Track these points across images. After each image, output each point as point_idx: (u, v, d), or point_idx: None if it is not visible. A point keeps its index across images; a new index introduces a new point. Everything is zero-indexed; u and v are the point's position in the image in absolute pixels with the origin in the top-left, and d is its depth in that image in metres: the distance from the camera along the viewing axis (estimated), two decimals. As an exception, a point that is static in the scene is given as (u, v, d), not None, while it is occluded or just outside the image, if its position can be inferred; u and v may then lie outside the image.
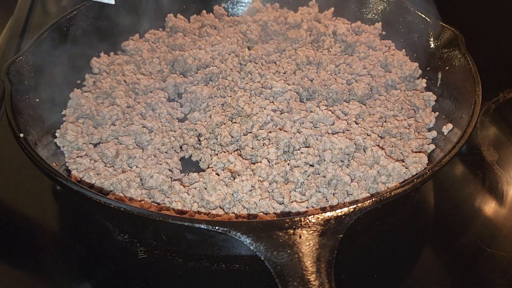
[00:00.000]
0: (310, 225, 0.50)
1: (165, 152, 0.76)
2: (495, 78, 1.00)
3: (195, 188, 0.68)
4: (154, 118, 0.81)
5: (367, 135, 0.75)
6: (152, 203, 0.66)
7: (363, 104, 0.84)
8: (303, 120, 0.78)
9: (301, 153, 0.72)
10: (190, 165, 0.76)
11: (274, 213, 0.64)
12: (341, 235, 0.50)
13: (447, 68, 0.84)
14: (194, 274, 0.64)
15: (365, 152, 0.73)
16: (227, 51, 0.94)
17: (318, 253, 0.48)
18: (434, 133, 0.77)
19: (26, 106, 0.72)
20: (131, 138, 0.76)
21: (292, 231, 0.49)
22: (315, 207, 0.65)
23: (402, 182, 0.67)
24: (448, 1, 1.17)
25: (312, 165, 0.71)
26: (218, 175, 0.69)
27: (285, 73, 0.90)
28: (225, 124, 0.79)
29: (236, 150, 0.75)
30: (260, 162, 0.71)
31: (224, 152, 0.74)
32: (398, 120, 0.79)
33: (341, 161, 0.71)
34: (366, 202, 0.52)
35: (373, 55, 0.93)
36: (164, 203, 0.66)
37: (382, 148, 0.72)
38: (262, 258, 0.48)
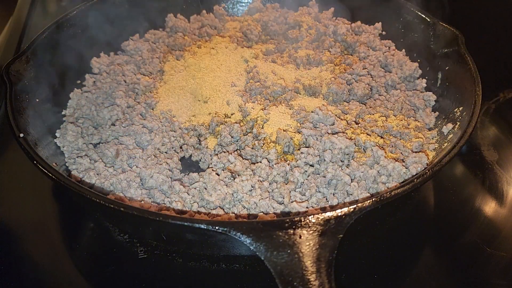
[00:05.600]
0: (310, 225, 0.50)
1: (165, 152, 0.76)
2: (495, 78, 1.00)
3: (195, 188, 0.68)
4: (154, 118, 0.81)
5: (367, 135, 0.75)
6: (152, 203, 0.66)
7: (363, 104, 0.84)
8: (303, 120, 0.78)
9: (301, 153, 0.72)
10: (190, 165, 0.76)
11: (274, 213, 0.64)
12: (341, 235, 0.50)
13: (447, 68, 0.84)
14: (194, 274, 0.64)
15: (365, 152, 0.73)
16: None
17: (318, 253, 0.48)
18: (434, 133, 0.77)
19: (26, 106, 0.72)
20: (131, 138, 0.76)
21: (292, 231, 0.49)
22: (315, 207, 0.65)
23: (402, 182, 0.67)
24: (448, 1, 1.17)
25: (312, 165, 0.71)
26: (218, 175, 0.69)
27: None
28: (225, 124, 0.79)
29: (236, 150, 0.75)
30: (260, 162, 0.71)
31: (224, 152, 0.74)
32: (398, 120, 0.79)
33: (341, 161, 0.71)
34: (366, 202, 0.52)
35: (373, 55, 0.94)
36: (164, 203, 0.66)
37: (382, 148, 0.72)
38: (262, 258, 0.48)
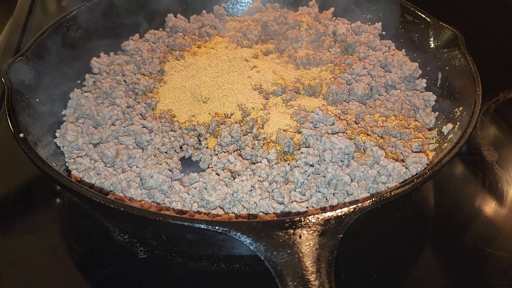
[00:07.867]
0: (310, 225, 0.50)
1: (165, 152, 0.76)
2: (495, 78, 1.00)
3: (195, 188, 0.68)
4: (154, 118, 0.81)
5: (367, 135, 0.75)
6: (152, 203, 0.66)
7: (363, 104, 0.84)
8: (303, 120, 0.78)
9: (301, 153, 0.72)
10: (190, 165, 0.76)
11: (274, 213, 0.64)
12: (341, 235, 0.50)
13: (447, 68, 0.84)
14: (194, 274, 0.64)
15: (365, 152, 0.73)
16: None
17: (318, 253, 0.48)
18: (434, 133, 0.77)
19: (26, 106, 0.72)
20: (131, 138, 0.76)
21: (292, 231, 0.49)
22: (315, 207, 0.65)
23: (402, 182, 0.67)
24: (448, 1, 1.17)
25: (312, 165, 0.71)
26: (218, 175, 0.69)
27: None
28: (225, 124, 0.79)
29: (236, 150, 0.75)
30: (260, 162, 0.71)
31: (224, 152, 0.74)
32: (398, 120, 0.79)
33: (341, 161, 0.71)
34: (366, 202, 0.52)
35: (373, 55, 0.94)
36: (164, 203, 0.66)
37: (382, 148, 0.72)
38: (262, 258, 0.48)
